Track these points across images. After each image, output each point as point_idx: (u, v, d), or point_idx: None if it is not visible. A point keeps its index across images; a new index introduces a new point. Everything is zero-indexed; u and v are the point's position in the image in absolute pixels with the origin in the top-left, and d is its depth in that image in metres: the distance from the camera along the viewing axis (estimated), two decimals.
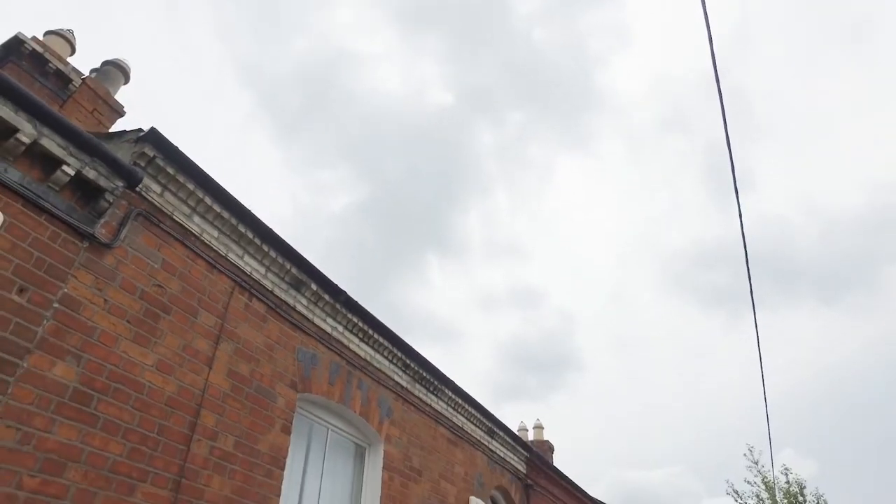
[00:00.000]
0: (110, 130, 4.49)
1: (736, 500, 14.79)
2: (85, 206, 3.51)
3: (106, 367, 3.35)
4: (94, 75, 6.29)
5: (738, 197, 5.99)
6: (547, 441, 16.46)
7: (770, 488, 12.98)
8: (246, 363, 4.37)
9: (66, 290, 3.24)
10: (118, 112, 6.09)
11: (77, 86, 5.80)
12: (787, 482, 13.22)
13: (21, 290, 3.03)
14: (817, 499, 12.68)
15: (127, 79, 6.66)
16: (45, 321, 3.09)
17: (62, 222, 3.33)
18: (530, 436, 16.37)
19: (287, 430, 4.58)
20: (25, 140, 3.17)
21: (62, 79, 5.76)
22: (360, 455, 5.72)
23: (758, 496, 13.39)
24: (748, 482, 14.81)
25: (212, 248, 4.35)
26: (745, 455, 15.70)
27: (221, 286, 4.35)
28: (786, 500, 12.66)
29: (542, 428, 17.22)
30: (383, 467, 5.68)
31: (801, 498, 12.63)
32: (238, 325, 4.40)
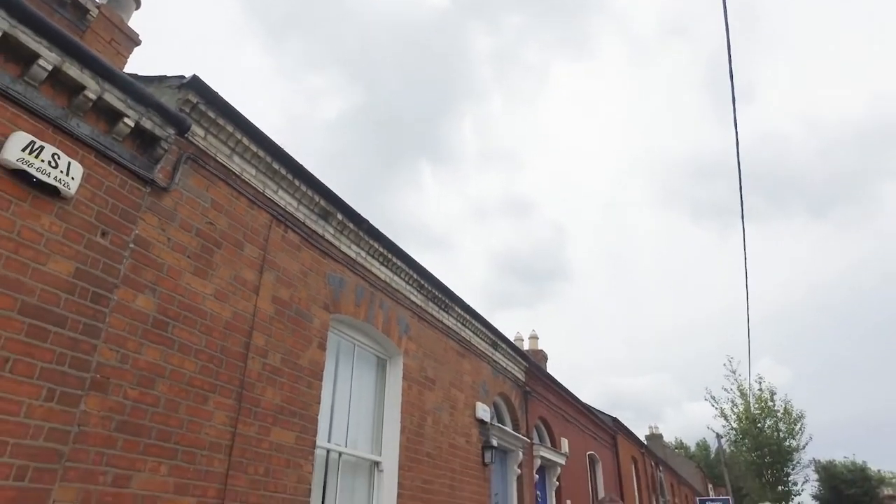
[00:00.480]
0: (153, 74, 4.68)
1: (713, 406, 16.24)
2: (143, 154, 3.85)
3: (175, 298, 3.84)
4: (105, 2, 6.31)
5: (734, 101, 6.32)
6: (541, 350, 17.54)
7: (744, 394, 14.29)
8: (286, 289, 4.88)
9: (137, 232, 3.67)
10: (134, 41, 6.15)
11: (94, 16, 5.87)
12: (760, 389, 14.55)
13: (103, 234, 3.46)
14: (785, 404, 14.03)
15: (138, 4, 6.67)
16: (124, 260, 3.55)
17: (128, 170, 3.70)
18: (526, 345, 17.42)
19: (323, 347, 5.18)
20: (92, 96, 3.47)
21: (79, 9, 5.83)
22: (381, 367, 6.40)
23: (732, 402, 14.73)
24: (725, 389, 16.26)
25: (251, 185, 4.73)
26: (724, 365, 17.04)
27: (261, 220, 4.78)
28: (758, 405, 13.98)
29: (537, 338, 18.25)
30: (402, 377, 6.38)
31: (770, 403, 13.95)
32: (277, 255, 4.87)
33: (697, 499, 19.36)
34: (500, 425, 8.51)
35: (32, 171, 3.10)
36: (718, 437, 22.26)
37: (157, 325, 3.67)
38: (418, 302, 7.01)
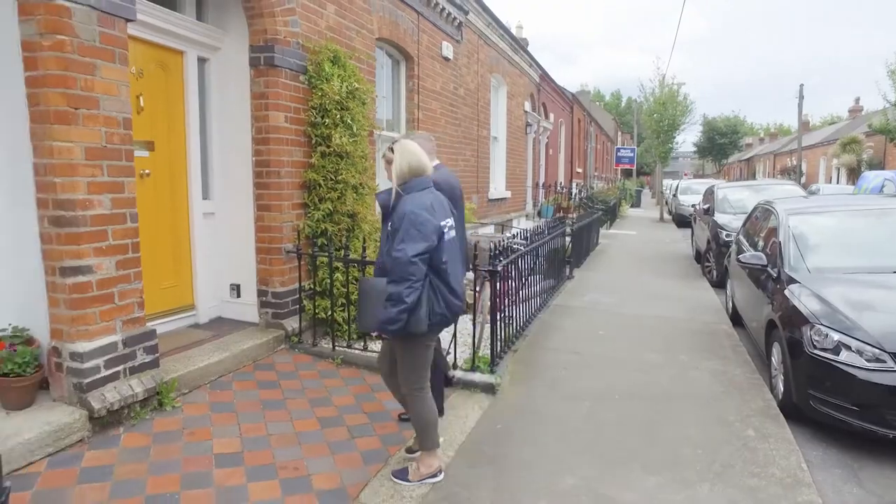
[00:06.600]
0: None
1: (640, 90, 23.81)
2: (457, 29, 9.50)
3: (461, 87, 10.10)
4: None
5: None
6: (525, 38, 23.34)
7: (662, 85, 21.77)
8: (483, 77, 11.01)
9: (457, 60, 9.69)
10: None
11: None
12: (673, 82, 22.03)
13: (455, 69, 9.49)
14: (685, 96, 21.65)
15: None
16: (457, 74, 9.68)
17: (453, 38, 9.45)
18: (514, 33, 23.13)
19: (488, 90, 11.59)
20: (446, 8, 9.01)
21: None
22: (496, 90, 12.87)
23: (653, 91, 22.39)
24: (650, 80, 23.95)
25: (478, 28, 10.35)
26: (653, 62, 23.34)
27: (477, 45, 10.58)
28: (667, 90, 21.71)
29: (522, 27, 23.81)
30: (507, 95, 12.97)
31: (676, 92, 21.55)
32: (480, 54, 10.82)
33: (616, 148, 28.76)
34: (531, 112, 15.52)
35: (447, 53, 8.98)
36: (636, 101, 31.27)
37: (465, 97, 10.02)
38: (510, 52, 13.07)
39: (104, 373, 3.40)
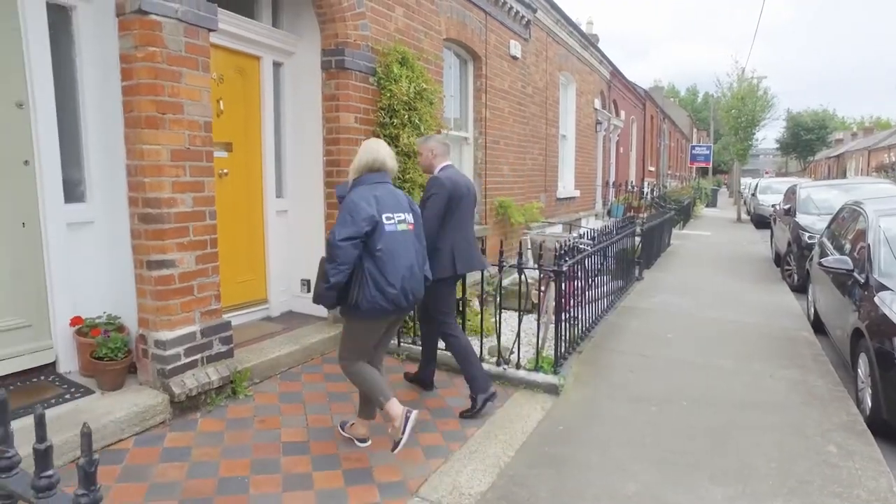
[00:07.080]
0: None
1: (716, 85, 22.65)
2: (525, 28, 9.43)
3: (532, 82, 10.01)
4: None
5: None
6: (595, 34, 22.80)
7: (741, 80, 20.59)
8: (552, 73, 10.87)
9: (524, 59, 9.61)
10: None
11: None
12: (752, 76, 20.75)
13: (524, 65, 9.43)
14: (765, 91, 20.35)
15: None
16: (525, 72, 9.60)
17: (521, 37, 9.38)
18: (584, 30, 22.65)
19: (557, 87, 11.43)
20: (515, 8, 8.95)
21: None
22: (566, 87, 12.68)
23: (731, 85, 21.23)
24: (727, 75, 22.77)
25: (546, 26, 10.23)
26: (731, 55, 22.25)
27: (545, 43, 10.46)
28: (746, 84, 20.48)
29: (592, 24, 23.27)
30: (576, 93, 12.75)
31: (756, 86, 20.32)
32: (548, 51, 10.68)
33: (691, 145, 27.68)
34: (601, 109, 15.18)
35: (515, 52, 8.93)
36: (712, 97, 29.94)
37: (534, 95, 9.94)
38: (579, 49, 12.84)
39: (184, 360, 3.62)
